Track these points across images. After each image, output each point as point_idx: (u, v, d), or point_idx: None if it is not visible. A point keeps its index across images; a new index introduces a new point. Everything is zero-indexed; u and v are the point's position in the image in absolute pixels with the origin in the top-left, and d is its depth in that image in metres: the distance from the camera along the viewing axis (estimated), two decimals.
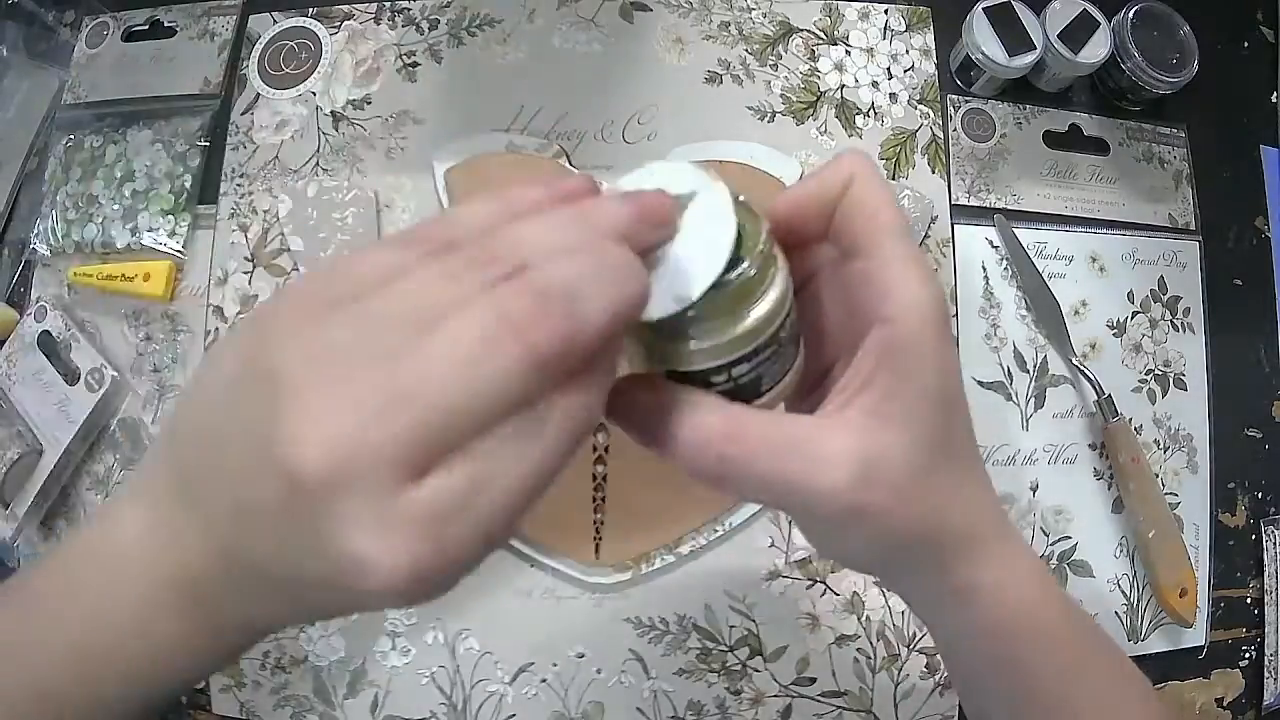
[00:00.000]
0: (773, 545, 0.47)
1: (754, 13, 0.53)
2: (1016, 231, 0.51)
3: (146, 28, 0.57)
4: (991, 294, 0.50)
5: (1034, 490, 0.49)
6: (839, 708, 0.46)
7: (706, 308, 0.22)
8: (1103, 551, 0.49)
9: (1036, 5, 0.50)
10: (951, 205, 0.51)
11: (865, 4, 0.53)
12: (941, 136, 0.52)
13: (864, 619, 0.46)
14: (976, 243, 0.51)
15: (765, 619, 0.46)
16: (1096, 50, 0.50)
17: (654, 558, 0.46)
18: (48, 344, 0.52)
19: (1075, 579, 0.48)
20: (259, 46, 0.55)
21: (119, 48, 0.57)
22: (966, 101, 0.52)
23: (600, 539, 0.46)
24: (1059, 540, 0.48)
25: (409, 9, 0.54)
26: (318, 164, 0.52)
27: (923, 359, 0.23)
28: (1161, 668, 0.48)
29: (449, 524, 0.18)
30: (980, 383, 0.49)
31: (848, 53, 0.53)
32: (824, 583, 0.47)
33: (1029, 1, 0.50)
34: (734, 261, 0.22)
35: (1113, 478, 0.49)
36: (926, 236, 0.50)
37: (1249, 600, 0.50)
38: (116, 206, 0.53)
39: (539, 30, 0.53)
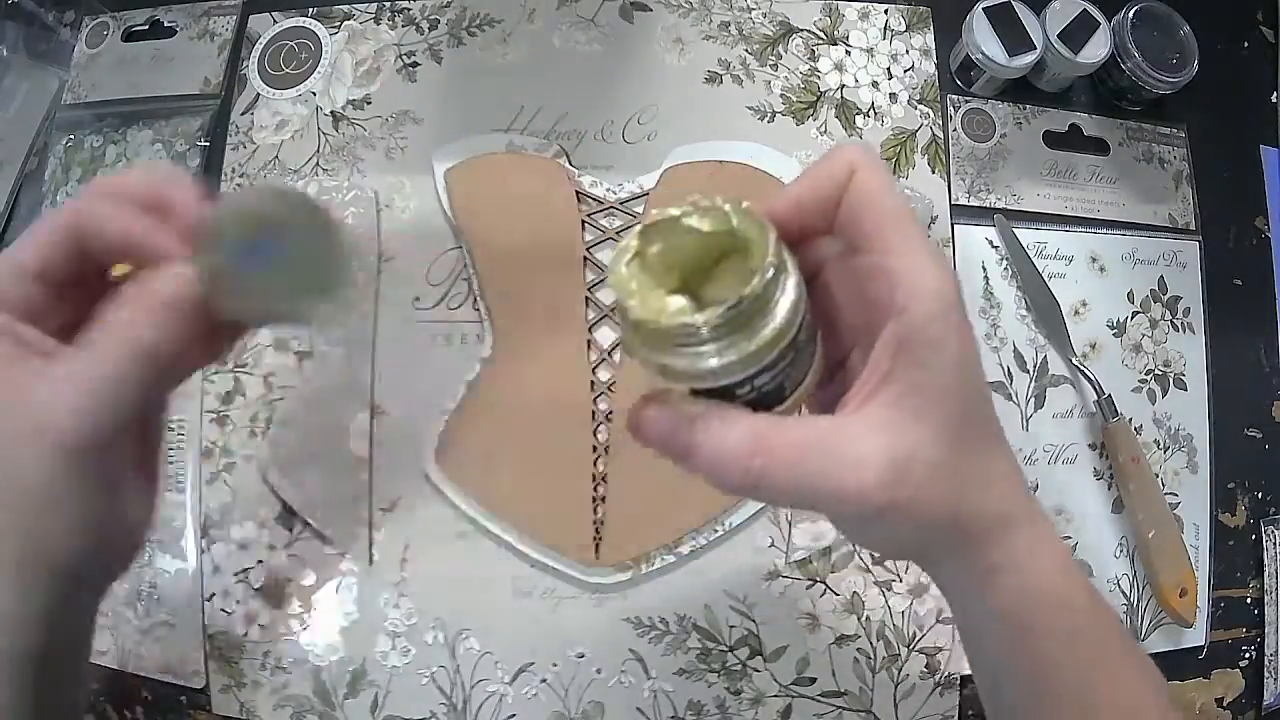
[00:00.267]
0: (773, 545, 0.47)
1: (754, 13, 0.53)
2: (1016, 231, 0.51)
3: (146, 28, 0.57)
4: (991, 294, 0.50)
5: (1034, 490, 0.49)
6: (839, 708, 0.46)
7: (723, 327, 0.22)
8: (1103, 551, 0.49)
9: (1036, 5, 0.50)
10: (951, 205, 0.51)
11: (865, 4, 0.53)
12: (941, 136, 0.52)
13: (864, 619, 0.46)
14: (976, 243, 0.51)
15: (765, 619, 0.46)
16: (1096, 50, 0.50)
17: (654, 558, 0.46)
18: None
19: None
20: (259, 46, 0.55)
21: (119, 48, 0.57)
22: (966, 101, 0.52)
23: (600, 539, 0.46)
24: None
25: (409, 9, 0.54)
26: (318, 164, 0.52)
27: (941, 348, 0.23)
28: (1161, 668, 0.47)
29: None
30: None
31: (848, 53, 0.53)
32: (824, 583, 0.47)
33: (1029, 1, 0.50)
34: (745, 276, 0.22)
35: (1113, 478, 0.49)
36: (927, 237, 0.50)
37: (1249, 600, 0.50)
38: None
39: (539, 30, 0.53)
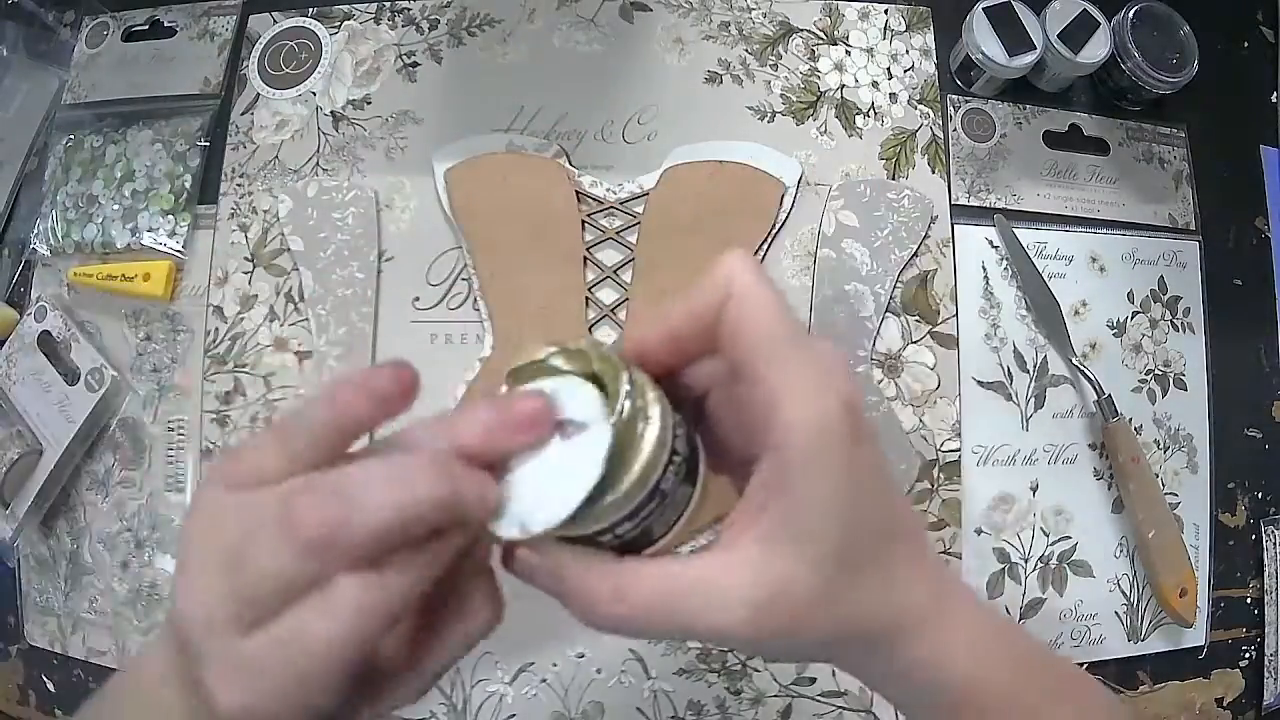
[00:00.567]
0: None
1: (754, 13, 0.53)
2: (1016, 231, 0.51)
3: (146, 28, 0.57)
4: (991, 294, 0.50)
5: (1034, 490, 0.49)
6: (839, 708, 0.46)
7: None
8: (1103, 551, 0.49)
9: (1036, 5, 0.50)
10: (951, 205, 0.51)
11: (865, 4, 0.53)
12: (941, 136, 0.52)
13: None
14: (976, 243, 0.51)
15: None
16: (1096, 50, 0.50)
17: None
18: (48, 344, 0.52)
19: (1075, 579, 0.48)
20: (259, 46, 0.55)
21: (119, 48, 0.57)
22: (966, 101, 0.52)
23: None
24: (1059, 540, 0.48)
25: (409, 9, 0.54)
26: (318, 164, 0.52)
27: (819, 476, 0.22)
28: (1161, 668, 0.48)
29: (267, 667, 0.21)
30: (980, 383, 0.49)
31: (848, 53, 0.53)
32: None
33: (1029, 1, 0.50)
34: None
35: (1113, 478, 0.49)
36: (926, 236, 0.50)
37: (1249, 600, 0.50)
38: (116, 206, 0.53)
39: (539, 30, 0.53)
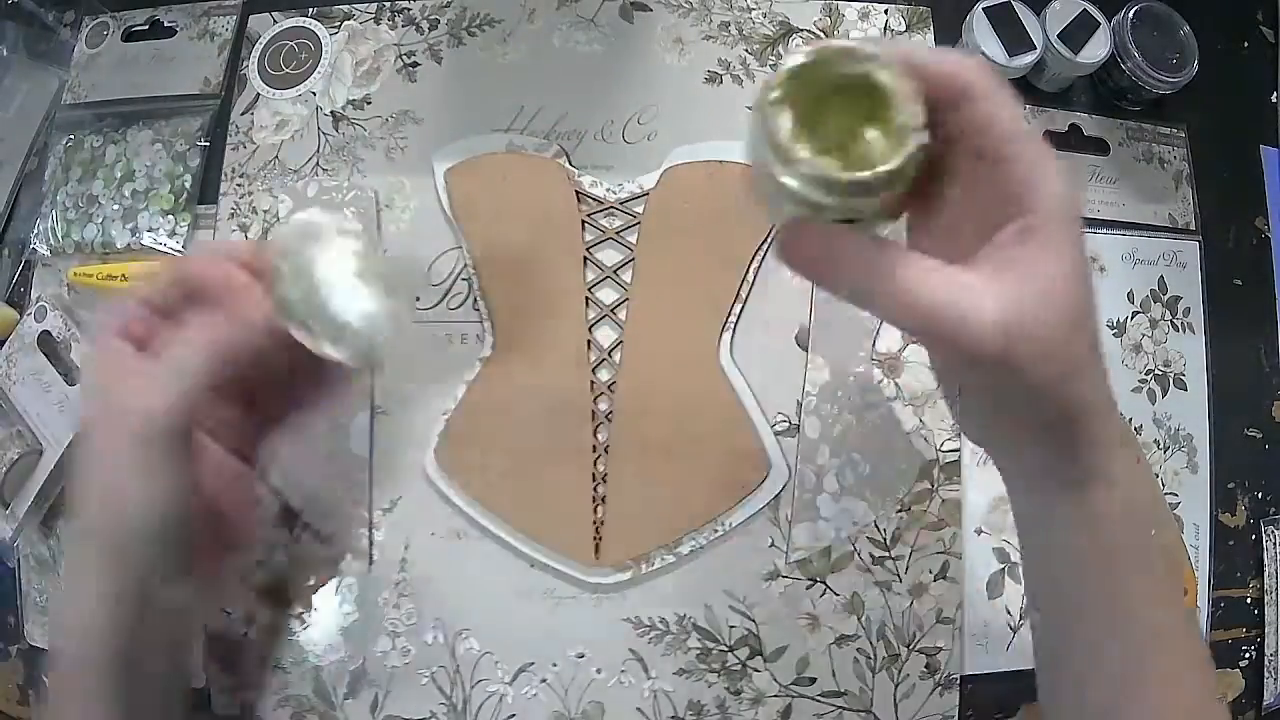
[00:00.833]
0: (773, 545, 0.47)
1: (754, 13, 0.53)
2: None
3: (146, 28, 0.57)
4: None
5: None
6: (839, 708, 0.46)
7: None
8: None
9: (1036, 5, 0.50)
10: None
11: (865, 4, 0.53)
12: None
13: (864, 619, 0.46)
14: None
15: (765, 619, 0.46)
16: (1096, 50, 0.50)
17: (654, 558, 0.46)
18: (48, 344, 0.52)
19: None
20: (259, 46, 0.55)
21: (119, 48, 0.57)
22: None
23: (600, 539, 0.46)
24: None
25: (409, 9, 0.54)
26: (318, 164, 0.52)
27: (1065, 240, 0.25)
28: None
29: (163, 376, 0.31)
30: None
31: None
32: (824, 583, 0.47)
33: (1029, 1, 0.50)
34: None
35: None
36: None
37: (1249, 600, 0.50)
38: (116, 206, 0.53)
39: (539, 30, 0.53)
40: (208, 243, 0.37)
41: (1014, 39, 0.50)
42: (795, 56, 0.26)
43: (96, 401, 0.31)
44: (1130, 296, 0.51)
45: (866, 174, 0.24)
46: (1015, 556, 0.48)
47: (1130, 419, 0.49)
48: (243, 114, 0.53)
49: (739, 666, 0.46)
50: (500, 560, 0.47)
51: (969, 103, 0.25)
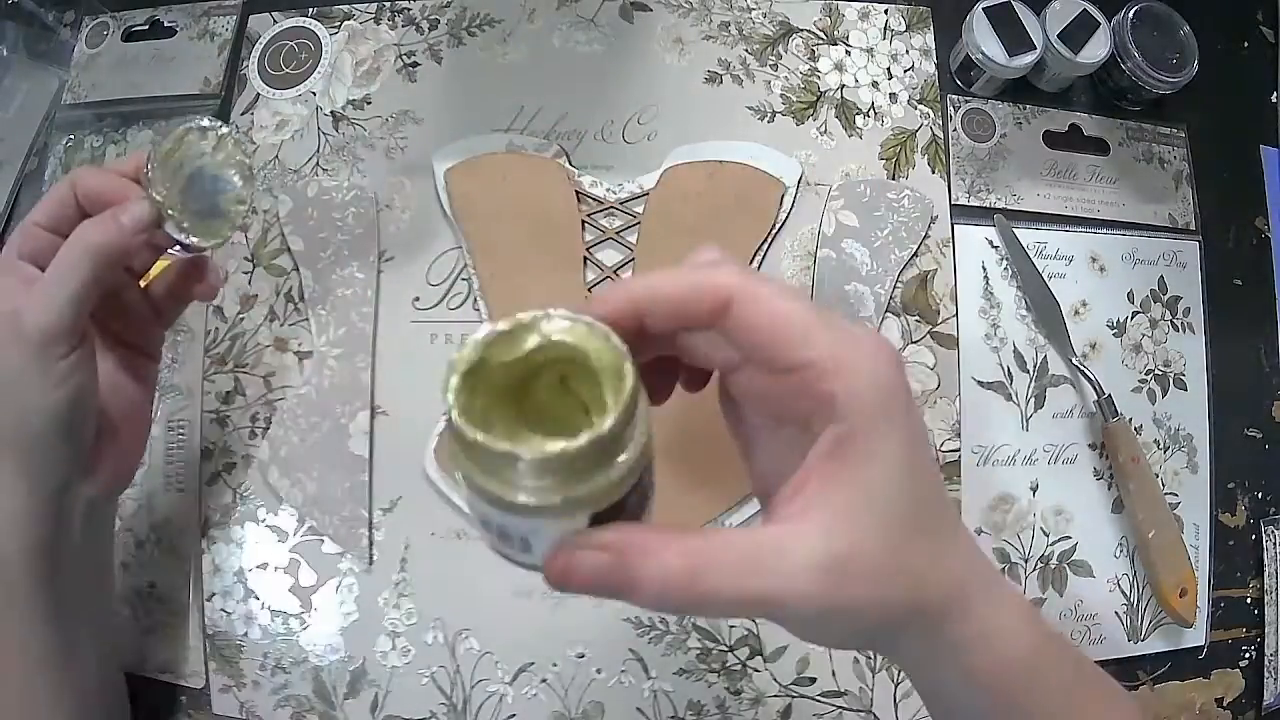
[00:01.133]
0: None
1: (754, 13, 0.53)
2: (1016, 231, 0.51)
3: (146, 28, 0.57)
4: (991, 294, 0.50)
5: (1034, 490, 0.49)
6: (839, 708, 0.46)
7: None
8: (1103, 551, 0.49)
9: (1036, 5, 0.50)
10: (951, 205, 0.51)
11: (865, 4, 0.53)
12: (941, 136, 0.52)
13: None
14: (976, 243, 0.51)
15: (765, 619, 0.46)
16: (1096, 50, 0.50)
17: None
18: None
19: (1075, 579, 0.48)
20: (259, 46, 0.55)
21: (119, 48, 0.57)
22: (966, 101, 0.52)
23: None
24: (1059, 540, 0.48)
25: (409, 9, 0.54)
26: (318, 164, 0.52)
27: (883, 440, 0.22)
28: (1161, 668, 0.48)
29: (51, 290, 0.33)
30: (980, 383, 0.49)
31: (848, 53, 0.53)
32: None
33: (1029, 1, 0.50)
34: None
35: (1113, 478, 0.49)
36: (926, 236, 0.50)
37: (1249, 600, 0.50)
38: None
39: (539, 30, 0.53)
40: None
41: (1014, 39, 0.50)
42: (463, 354, 0.22)
43: (1, 320, 0.34)
44: (1130, 296, 0.51)
45: (535, 453, 0.20)
46: (1015, 557, 0.48)
47: (1130, 419, 0.49)
48: (243, 114, 0.53)
49: (739, 666, 0.46)
50: (500, 560, 0.47)
51: (735, 312, 0.23)
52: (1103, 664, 0.47)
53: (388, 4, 0.54)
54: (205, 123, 0.36)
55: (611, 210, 0.50)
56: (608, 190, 0.50)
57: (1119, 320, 0.51)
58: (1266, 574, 0.50)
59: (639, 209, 0.50)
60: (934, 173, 0.51)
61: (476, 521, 0.24)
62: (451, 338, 0.49)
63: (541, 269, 0.49)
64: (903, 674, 0.46)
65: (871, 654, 0.46)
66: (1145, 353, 0.51)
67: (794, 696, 0.46)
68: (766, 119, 0.51)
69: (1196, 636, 0.48)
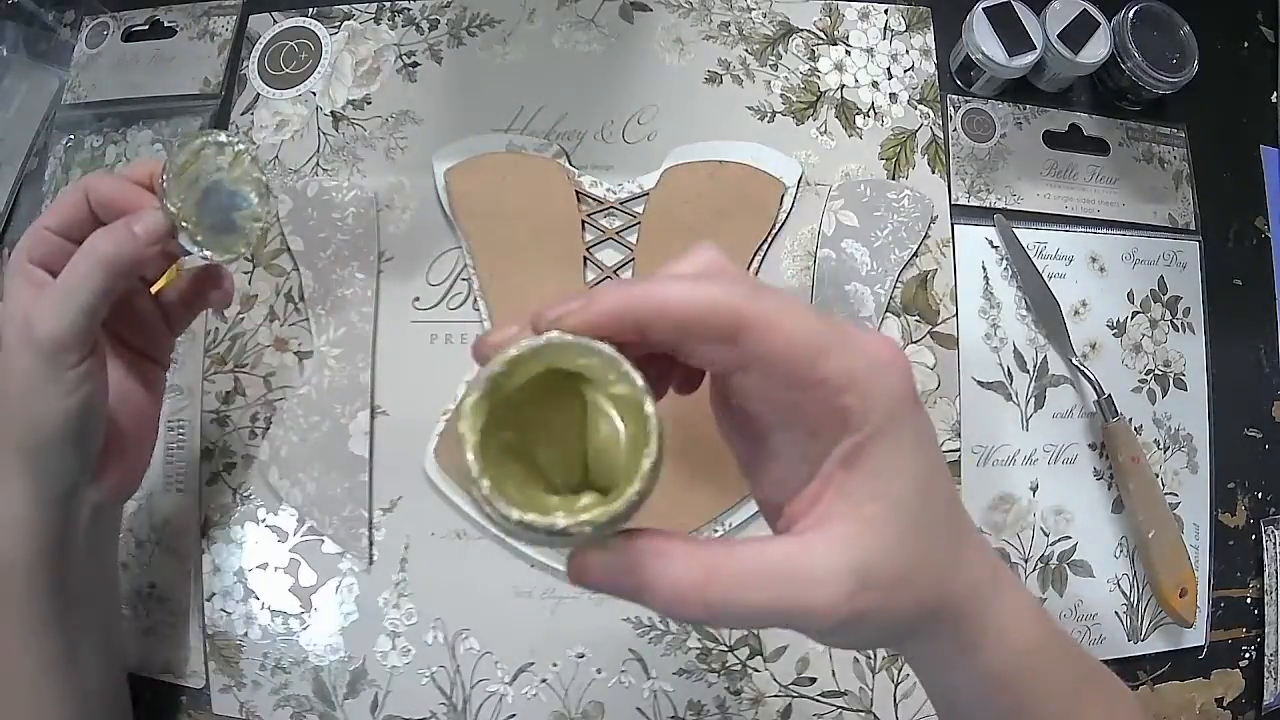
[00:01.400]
0: None
1: (754, 13, 0.53)
2: (1016, 231, 0.51)
3: (146, 28, 0.57)
4: (991, 294, 0.50)
5: (1034, 490, 0.49)
6: (839, 708, 0.46)
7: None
8: (1103, 551, 0.49)
9: (1036, 5, 0.50)
10: (951, 205, 0.51)
11: (865, 4, 0.53)
12: (941, 136, 0.52)
13: None
14: (976, 243, 0.51)
15: None
16: (1096, 50, 0.50)
17: None
18: None
19: (1075, 579, 0.48)
20: (259, 46, 0.55)
21: (119, 48, 0.57)
22: (966, 101, 0.52)
23: None
24: (1059, 540, 0.48)
25: (409, 9, 0.54)
26: (318, 164, 0.52)
27: (899, 447, 0.23)
28: (1161, 668, 0.48)
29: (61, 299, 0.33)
30: (980, 383, 0.49)
31: (848, 53, 0.53)
32: None
33: (1029, 1, 0.50)
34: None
35: (1113, 478, 0.49)
36: (926, 236, 0.50)
37: (1249, 600, 0.50)
38: None
39: (539, 30, 0.53)
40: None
41: (1014, 39, 0.50)
42: (476, 384, 0.22)
43: (11, 325, 0.34)
44: (1130, 296, 0.51)
45: (552, 522, 0.21)
46: (1015, 557, 0.48)
47: (1130, 419, 0.49)
48: (243, 114, 0.53)
49: (739, 666, 0.46)
50: (500, 560, 0.47)
51: (746, 335, 0.22)
52: (1103, 664, 0.48)
53: (388, 4, 0.54)
54: (222, 138, 0.36)
55: (611, 210, 0.50)
56: (608, 190, 0.50)
57: (1119, 320, 0.51)
58: (1266, 574, 0.50)
59: (639, 209, 0.50)
60: (934, 173, 0.51)
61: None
62: (451, 338, 0.49)
63: (541, 269, 0.49)
64: (903, 674, 0.46)
65: (871, 654, 0.46)
66: (1145, 353, 0.51)
67: (794, 696, 0.46)
68: (766, 119, 0.51)
69: (1196, 636, 0.48)
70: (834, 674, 0.46)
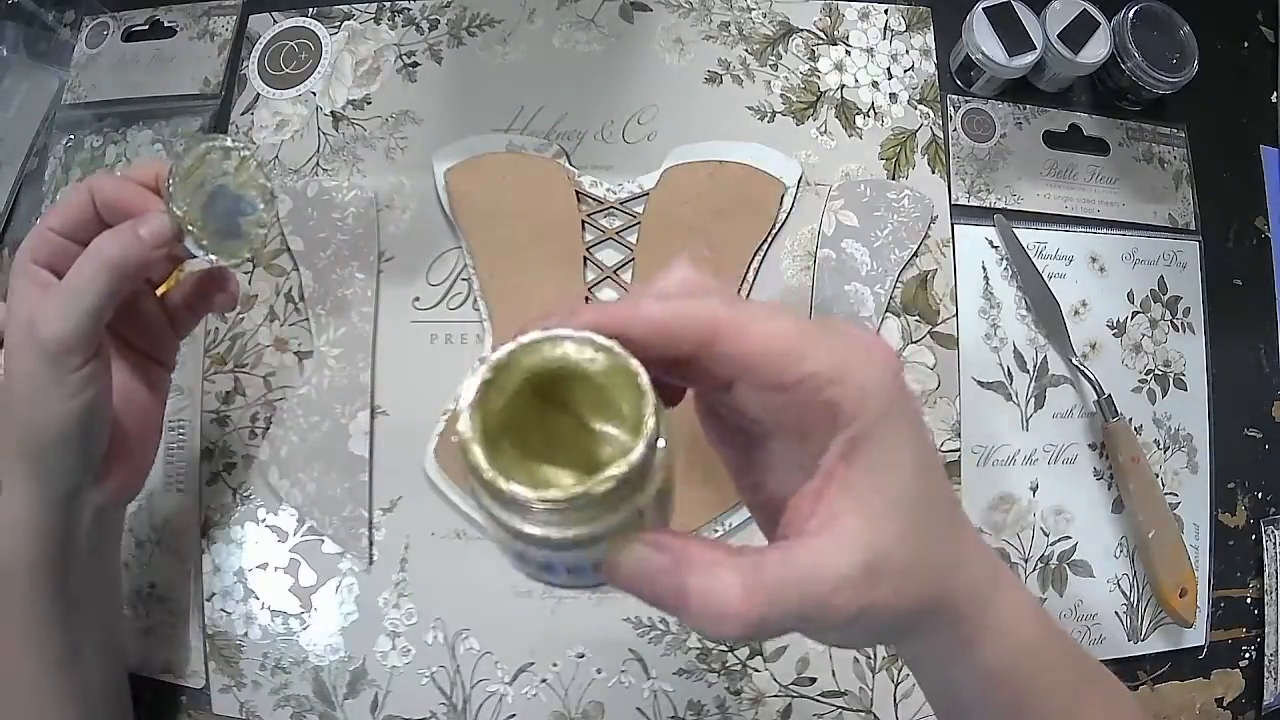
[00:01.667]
0: None
1: (754, 13, 0.53)
2: (1016, 231, 0.51)
3: (146, 28, 0.57)
4: (991, 294, 0.50)
5: (1034, 490, 0.49)
6: (839, 708, 0.46)
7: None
8: (1103, 551, 0.49)
9: (1036, 5, 0.50)
10: (951, 205, 0.51)
11: (865, 4, 0.53)
12: (941, 136, 0.52)
13: None
14: (976, 243, 0.51)
15: None
16: (1096, 50, 0.50)
17: None
18: None
19: (1075, 579, 0.48)
20: (259, 46, 0.55)
21: (119, 48, 0.57)
22: (966, 101, 0.52)
23: None
24: (1059, 540, 0.48)
25: (409, 9, 0.54)
26: (318, 164, 0.52)
27: (894, 440, 0.22)
28: (1161, 668, 0.48)
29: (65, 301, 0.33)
30: (980, 383, 0.49)
31: (848, 53, 0.53)
32: None
33: (1029, 1, 0.50)
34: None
35: (1113, 478, 0.49)
36: (926, 236, 0.50)
37: (1249, 600, 0.50)
38: None
39: (539, 30, 0.53)
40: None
41: (1014, 39, 0.50)
42: (475, 379, 0.22)
43: (15, 326, 0.34)
44: (1130, 296, 0.51)
45: (557, 495, 0.20)
46: (1015, 557, 0.48)
47: (1130, 419, 0.49)
48: (243, 114, 0.53)
49: (739, 666, 0.46)
50: (500, 560, 0.46)
51: (723, 341, 0.22)
52: (1103, 664, 0.48)
53: (388, 4, 0.54)
54: (228, 143, 0.36)
55: (611, 210, 0.50)
56: (608, 190, 0.50)
57: (1119, 320, 0.51)
58: (1266, 574, 0.50)
59: (639, 209, 0.50)
60: (934, 173, 0.51)
61: (509, 555, 0.24)
62: (451, 338, 0.49)
63: (541, 269, 0.49)
64: (903, 674, 0.46)
65: (871, 654, 0.46)
66: (1145, 353, 0.51)
67: (794, 696, 0.46)
68: (766, 119, 0.51)
69: (1196, 636, 0.48)
70: (834, 674, 0.46)
